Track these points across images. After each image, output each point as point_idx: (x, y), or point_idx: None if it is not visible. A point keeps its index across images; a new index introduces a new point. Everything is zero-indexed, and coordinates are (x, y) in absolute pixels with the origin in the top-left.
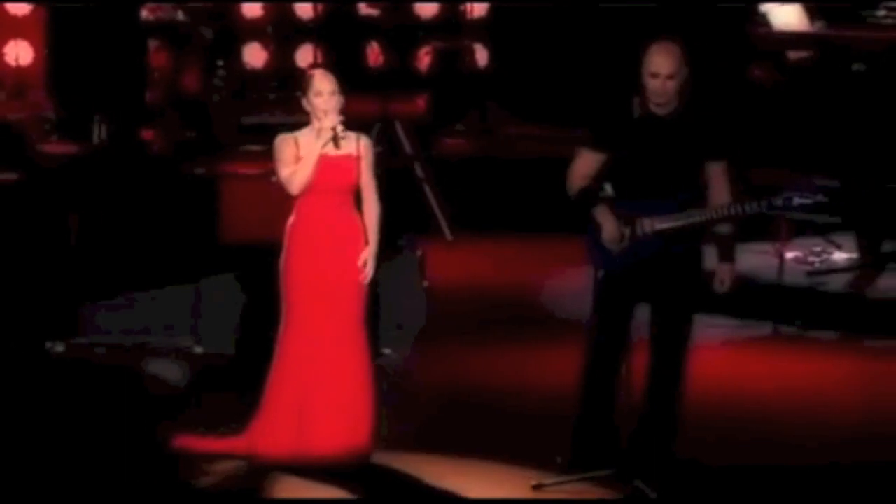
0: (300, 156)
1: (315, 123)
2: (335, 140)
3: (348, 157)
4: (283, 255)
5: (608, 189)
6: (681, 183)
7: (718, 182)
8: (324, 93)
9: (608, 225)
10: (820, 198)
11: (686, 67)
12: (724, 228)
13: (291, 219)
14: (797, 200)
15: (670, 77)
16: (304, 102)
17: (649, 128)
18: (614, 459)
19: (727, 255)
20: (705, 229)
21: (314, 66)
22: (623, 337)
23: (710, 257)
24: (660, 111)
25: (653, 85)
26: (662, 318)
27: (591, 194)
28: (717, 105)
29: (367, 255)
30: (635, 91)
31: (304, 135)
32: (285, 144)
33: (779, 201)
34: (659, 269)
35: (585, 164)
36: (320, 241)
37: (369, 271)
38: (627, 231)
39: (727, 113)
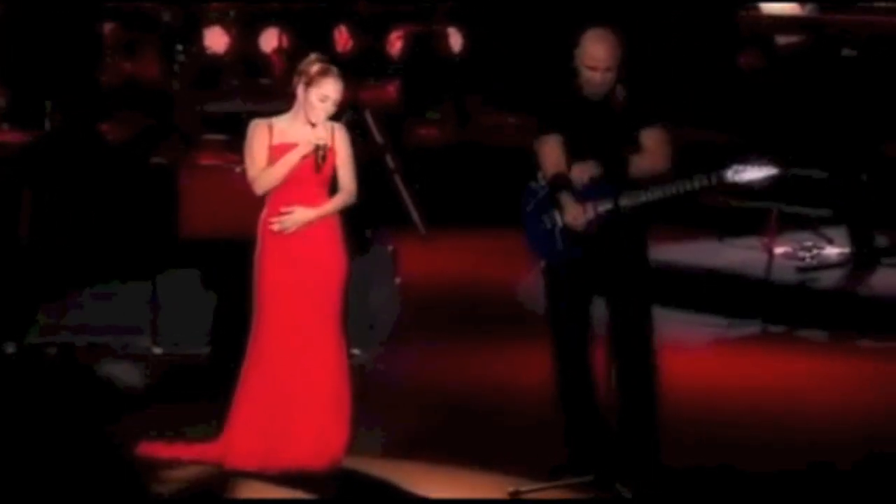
0: (273, 144)
1: (300, 113)
2: (322, 159)
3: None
4: (257, 252)
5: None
6: (622, 165)
7: (651, 147)
8: (329, 99)
9: (569, 206)
10: (772, 171)
11: (622, 52)
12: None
13: (264, 213)
14: (748, 175)
15: (608, 69)
16: (301, 92)
17: (586, 110)
18: (607, 459)
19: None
20: (651, 215)
21: (322, 60)
22: (585, 326)
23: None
24: (594, 98)
25: (590, 76)
26: (620, 314)
27: (561, 179)
28: (651, 84)
29: (304, 212)
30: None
31: (280, 122)
32: (258, 132)
33: (729, 174)
34: (605, 257)
35: (552, 150)
36: (294, 237)
37: (289, 222)
38: (591, 211)
39: (660, 87)
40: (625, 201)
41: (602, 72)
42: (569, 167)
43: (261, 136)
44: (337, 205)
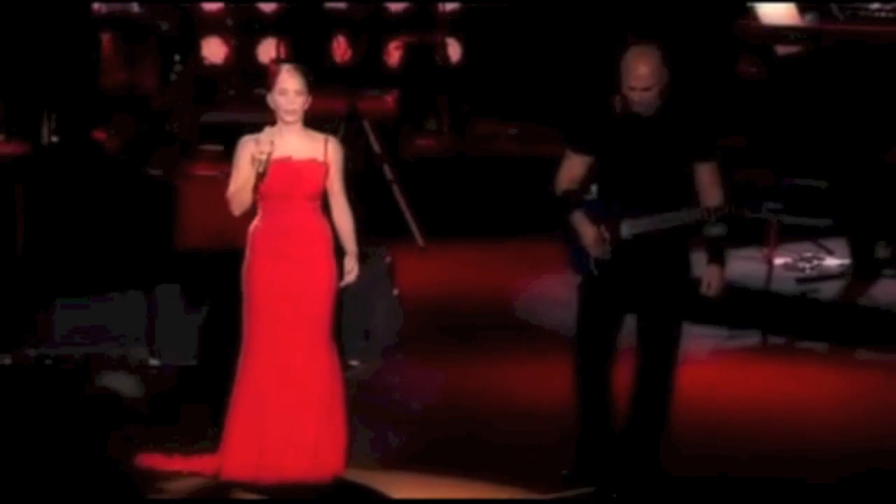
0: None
1: (278, 122)
2: (259, 176)
3: (313, 161)
4: (245, 265)
5: (593, 191)
6: (666, 184)
7: (709, 183)
8: (289, 91)
9: (587, 230)
10: (790, 203)
11: (665, 70)
12: (715, 230)
13: (253, 225)
14: (769, 206)
15: (647, 89)
16: (269, 99)
17: (629, 128)
18: (616, 474)
19: (715, 258)
20: (689, 232)
21: (280, 60)
22: (612, 346)
23: (702, 263)
24: (640, 111)
25: (631, 95)
26: (648, 324)
27: (569, 199)
28: (702, 103)
29: (353, 263)
30: (613, 91)
31: (267, 133)
32: (244, 149)
33: (749, 206)
34: (644, 274)
35: (571, 168)
36: (284, 250)
37: (353, 277)
38: (608, 235)
39: (711, 111)
40: (632, 229)
41: (640, 91)
42: (605, 187)
43: (246, 152)
44: (353, 234)
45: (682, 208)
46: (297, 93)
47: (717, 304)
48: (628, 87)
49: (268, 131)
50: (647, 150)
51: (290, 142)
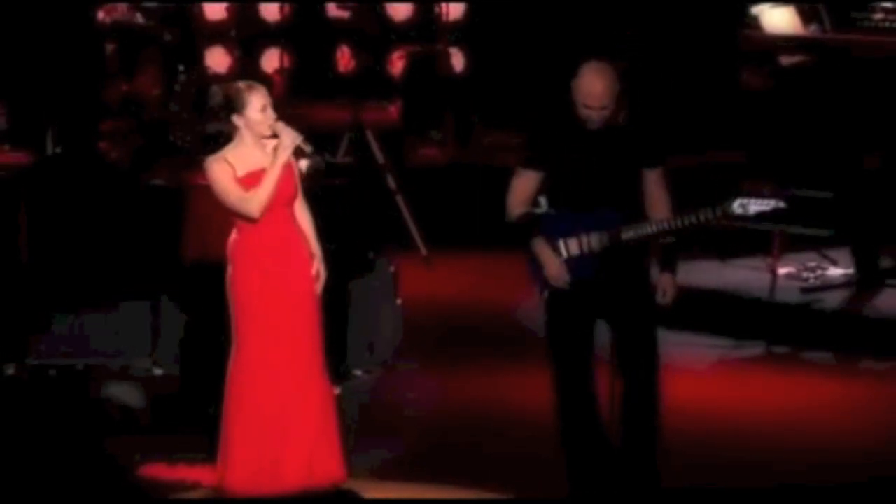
0: (239, 177)
1: (247, 138)
2: (305, 154)
3: (286, 167)
4: (231, 276)
5: (542, 203)
6: (617, 194)
7: (655, 190)
8: (267, 107)
9: (550, 262)
10: (778, 204)
11: (619, 85)
12: (668, 238)
13: (234, 237)
14: (753, 208)
15: (603, 108)
16: (237, 119)
17: (581, 140)
18: (613, 484)
19: (669, 266)
20: (648, 242)
21: (230, 80)
22: (588, 353)
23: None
24: (596, 126)
25: (586, 114)
26: (626, 339)
27: (528, 225)
28: (649, 112)
29: (318, 265)
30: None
31: (232, 152)
32: (221, 167)
33: (736, 208)
34: (608, 284)
35: (524, 186)
36: (268, 259)
37: (322, 281)
38: (582, 247)
39: (658, 120)
40: (627, 235)
41: (598, 110)
42: (557, 199)
43: (224, 169)
44: (314, 234)
45: (638, 217)
46: (271, 106)
47: (672, 309)
48: (584, 106)
49: (229, 150)
50: (596, 161)
51: (257, 154)
